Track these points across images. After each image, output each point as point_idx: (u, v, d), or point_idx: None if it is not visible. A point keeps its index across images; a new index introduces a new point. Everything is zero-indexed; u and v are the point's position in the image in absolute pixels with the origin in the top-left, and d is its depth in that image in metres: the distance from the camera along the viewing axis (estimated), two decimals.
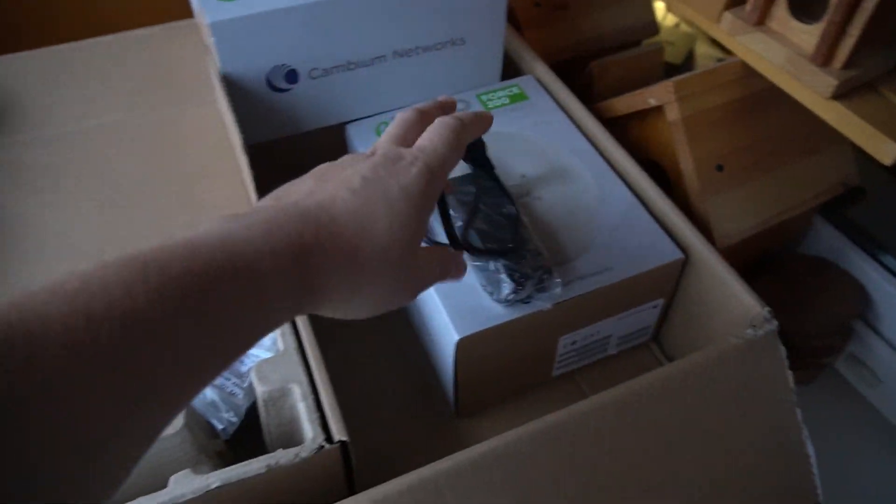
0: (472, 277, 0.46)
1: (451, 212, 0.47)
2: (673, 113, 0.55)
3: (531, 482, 0.38)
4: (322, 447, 0.39)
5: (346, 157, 0.35)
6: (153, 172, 0.53)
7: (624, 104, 0.61)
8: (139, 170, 0.53)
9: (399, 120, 0.37)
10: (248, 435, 0.45)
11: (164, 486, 0.37)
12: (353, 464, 0.42)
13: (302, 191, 0.31)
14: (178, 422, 0.39)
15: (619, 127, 0.61)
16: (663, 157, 0.59)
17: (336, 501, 0.35)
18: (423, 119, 0.37)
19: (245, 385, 0.42)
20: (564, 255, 0.48)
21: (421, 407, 0.54)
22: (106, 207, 0.50)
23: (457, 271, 0.39)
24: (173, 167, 0.53)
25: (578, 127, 0.57)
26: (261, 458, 0.38)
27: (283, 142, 0.56)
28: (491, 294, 0.45)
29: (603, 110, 0.62)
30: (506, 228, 0.47)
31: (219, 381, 0.42)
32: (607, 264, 0.47)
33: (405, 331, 0.56)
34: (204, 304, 0.24)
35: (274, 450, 0.38)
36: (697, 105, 0.56)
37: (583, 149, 0.55)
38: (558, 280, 0.45)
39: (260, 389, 0.41)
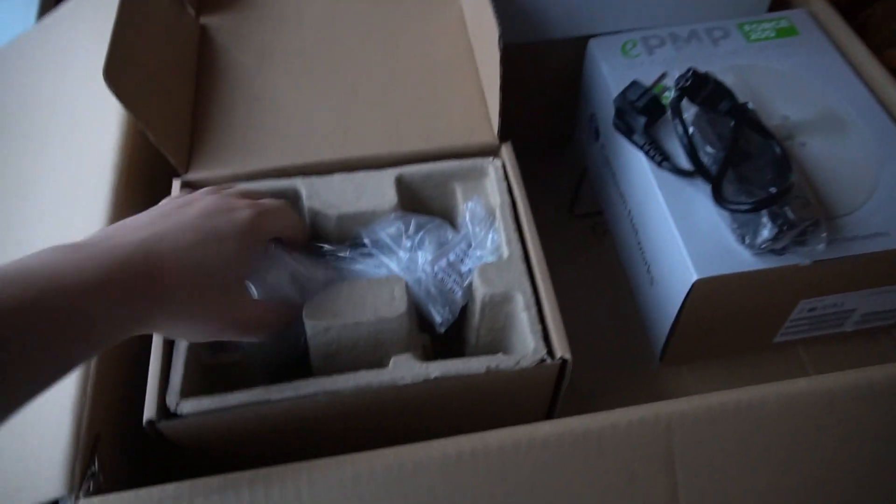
0: (718, 215, 0.42)
1: (708, 147, 0.43)
2: None
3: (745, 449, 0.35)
4: (543, 360, 0.37)
5: (185, 197, 0.37)
6: (394, 64, 0.52)
7: None
8: (380, 59, 0.52)
9: (231, 191, 0.40)
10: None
11: (381, 361, 0.37)
12: (564, 386, 0.40)
13: (139, 225, 0.33)
14: (402, 306, 0.39)
15: None
16: None
17: (533, 420, 0.34)
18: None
19: (465, 284, 0.42)
20: (829, 211, 0.42)
21: (621, 346, 0.51)
22: (347, 93, 0.50)
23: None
24: (414, 62, 0.52)
25: (857, 73, 0.50)
26: (481, 357, 0.37)
27: (524, 48, 0.53)
28: (742, 237, 0.41)
29: (891, 59, 0.54)
30: (769, 169, 0.42)
31: (440, 275, 0.41)
32: (880, 229, 0.41)
33: (615, 265, 0.53)
34: (28, 335, 0.26)
35: (477, 354, 0.38)
36: None
37: (860, 97, 0.48)
38: (824, 234, 0.40)
39: (482, 291, 0.40)
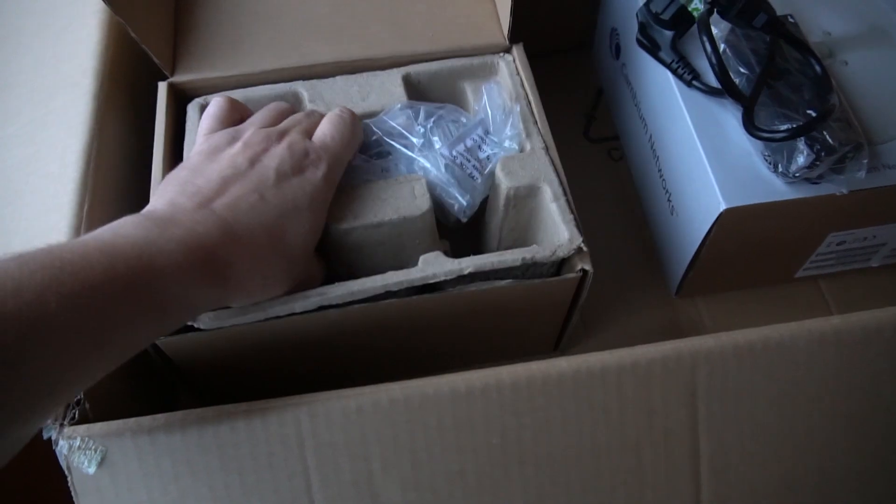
0: (748, 140, 0.39)
1: (742, 67, 0.39)
2: None
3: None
4: (581, 249, 0.35)
5: (248, 136, 0.34)
6: None
7: None
8: None
9: (274, 109, 0.38)
10: None
11: (404, 265, 0.35)
12: (585, 290, 0.38)
13: (213, 188, 0.31)
14: (425, 203, 0.37)
15: None
16: None
17: (545, 334, 0.32)
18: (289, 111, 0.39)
19: (485, 172, 0.39)
20: (869, 136, 0.39)
21: (634, 277, 0.49)
22: None
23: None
24: None
25: None
26: (515, 250, 0.35)
27: None
28: (775, 164, 0.38)
29: None
30: (807, 90, 0.38)
31: (459, 160, 0.38)
32: None
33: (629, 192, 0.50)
34: (113, 313, 0.25)
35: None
36: None
37: None
38: (865, 161, 0.37)
39: (506, 184, 0.37)
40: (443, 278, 0.34)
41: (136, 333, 0.27)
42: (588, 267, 0.35)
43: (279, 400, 0.31)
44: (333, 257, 0.38)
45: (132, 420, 0.30)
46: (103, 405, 0.32)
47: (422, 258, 0.35)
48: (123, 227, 0.28)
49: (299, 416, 0.30)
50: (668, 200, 0.44)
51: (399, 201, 0.36)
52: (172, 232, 0.28)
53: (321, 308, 0.33)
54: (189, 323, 0.32)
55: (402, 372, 0.33)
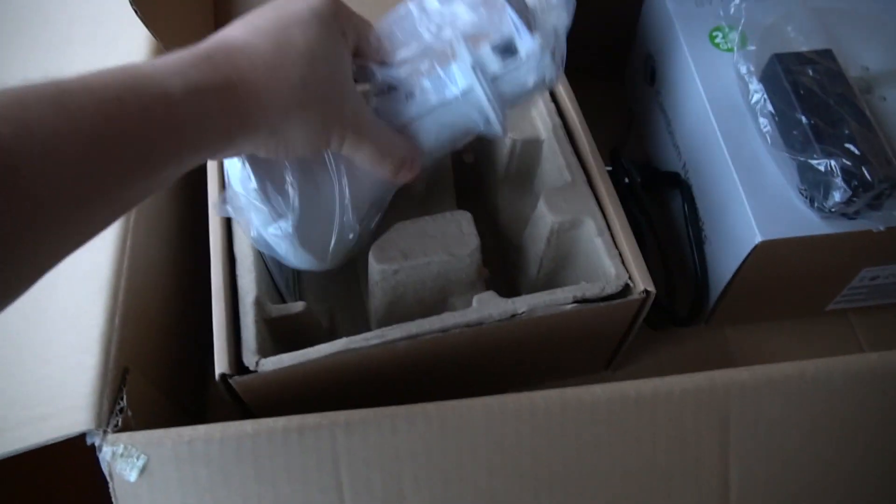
0: (784, 173, 0.39)
1: (768, 102, 0.40)
2: None
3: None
4: (628, 287, 0.35)
5: None
6: None
7: None
8: None
9: None
10: None
11: (448, 297, 0.35)
12: (642, 317, 0.38)
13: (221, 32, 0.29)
14: (473, 241, 0.37)
15: None
16: None
17: (610, 338, 0.32)
18: None
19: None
20: None
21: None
22: None
23: (404, 169, 0.33)
24: None
25: None
26: (565, 288, 0.35)
27: None
28: (811, 199, 0.38)
29: None
30: (844, 123, 0.39)
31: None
32: None
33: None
34: (131, 140, 0.24)
35: (536, 290, 0.36)
36: None
37: None
38: None
39: (549, 219, 0.38)
40: (497, 318, 0.34)
41: (153, 159, 0.25)
42: (651, 288, 0.35)
43: (316, 416, 0.31)
44: (377, 294, 0.38)
45: (173, 430, 0.31)
46: (145, 415, 0.33)
47: (476, 298, 0.35)
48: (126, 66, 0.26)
49: (335, 433, 0.31)
50: (705, 228, 0.45)
51: (448, 239, 0.37)
52: (171, 59, 0.26)
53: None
54: (251, 367, 0.33)
55: (450, 392, 0.33)
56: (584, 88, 0.45)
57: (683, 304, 0.46)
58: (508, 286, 0.44)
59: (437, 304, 0.37)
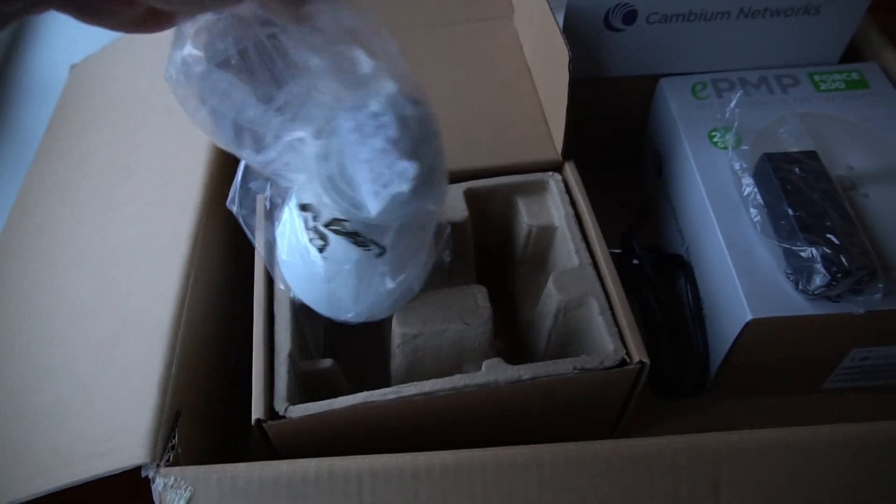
0: (773, 258, 0.43)
1: (758, 195, 0.44)
2: None
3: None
4: (625, 361, 0.39)
5: None
6: (455, 84, 0.55)
7: None
8: (442, 79, 0.55)
9: None
10: None
11: (463, 363, 0.40)
12: (639, 387, 0.41)
13: None
14: (486, 312, 0.41)
15: None
16: None
17: (611, 405, 0.35)
18: None
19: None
20: (886, 263, 0.43)
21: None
22: None
23: None
24: (474, 83, 0.55)
25: None
26: (567, 360, 0.39)
27: (592, 82, 0.55)
28: (796, 283, 0.42)
29: None
30: (826, 216, 0.43)
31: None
32: None
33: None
34: None
35: (547, 358, 0.40)
36: None
37: None
38: (881, 285, 0.41)
39: (557, 297, 0.42)
40: (504, 382, 0.38)
41: None
42: (646, 359, 0.39)
43: (345, 459, 0.35)
44: (398, 357, 0.42)
45: (218, 465, 0.35)
46: (193, 452, 0.37)
47: (485, 364, 0.39)
48: None
49: (361, 475, 0.35)
50: (701, 306, 0.49)
51: (464, 310, 0.41)
52: None
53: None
54: (281, 413, 0.38)
55: (463, 444, 0.37)
56: (605, 178, 0.50)
57: (693, 376, 0.49)
58: (522, 358, 0.48)
59: (452, 369, 0.41)
